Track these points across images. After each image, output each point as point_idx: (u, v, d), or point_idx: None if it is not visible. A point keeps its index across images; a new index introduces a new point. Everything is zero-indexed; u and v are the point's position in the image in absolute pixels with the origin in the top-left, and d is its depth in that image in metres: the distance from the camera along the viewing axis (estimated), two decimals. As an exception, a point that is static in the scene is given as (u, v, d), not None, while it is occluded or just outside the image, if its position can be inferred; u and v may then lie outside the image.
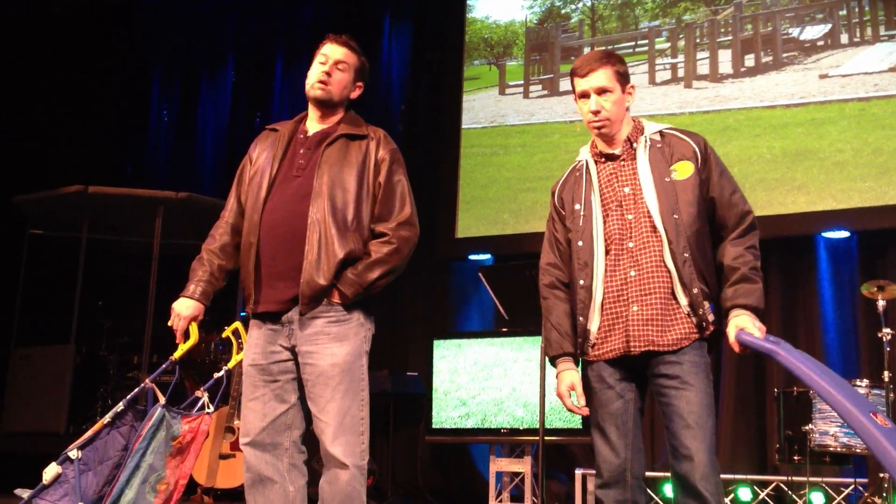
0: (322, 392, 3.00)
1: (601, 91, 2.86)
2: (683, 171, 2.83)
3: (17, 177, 7.39)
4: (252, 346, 3.13)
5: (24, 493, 3.38)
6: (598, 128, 2.89)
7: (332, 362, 3.00)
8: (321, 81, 3.17)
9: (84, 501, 3.33)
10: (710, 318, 2.78)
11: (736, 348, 2.70)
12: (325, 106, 3.20)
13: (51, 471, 3.37)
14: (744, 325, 2.68)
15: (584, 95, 2.89)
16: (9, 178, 7.42)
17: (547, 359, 3.01)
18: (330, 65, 3.18)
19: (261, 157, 3.24)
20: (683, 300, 2.75)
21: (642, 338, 2.75)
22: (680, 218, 2.77)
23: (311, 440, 3.14)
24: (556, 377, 2.95)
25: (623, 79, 2.90)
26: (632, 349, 2.77)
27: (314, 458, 3.25)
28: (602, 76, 2.87)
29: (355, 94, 3.27)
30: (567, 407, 2.89)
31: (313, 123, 3.24)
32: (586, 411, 2.87)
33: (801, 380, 2.60)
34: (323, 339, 3.01)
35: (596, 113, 2.86)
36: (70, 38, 8.47)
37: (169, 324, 3.23)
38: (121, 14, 8.79)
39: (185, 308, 3.20)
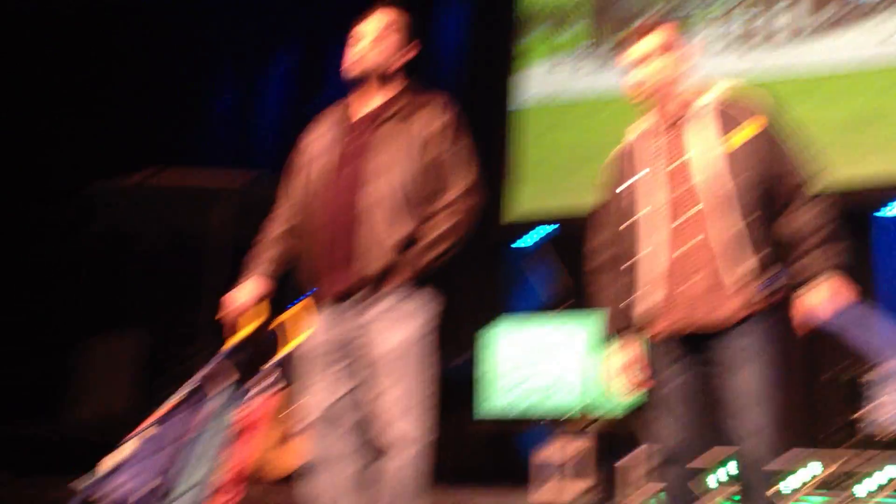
0: (388, 371, 3.01)
1: (651, 56, 2.83)
2: (740, 137, 2.75)
3: (82, 167, 7.53)
4: (314, 328, 3.18)
5: (103, 470, 3.51)
6: (649, 94, 2.84)
7: (399, 340, 3.01)
8: (352, 58, 3.13)
9: (158, 477, 3.44)
10: (769, 289, 2.71)
11: (807, 327, 2.65)
12: (371, 77, 3.14)
13: (126, 449, 3.49)
14: (818, 301, 2.61)
15: (636, 63, 2.86)
16: (73, 168, 7.56)
17: (603, 339, 2.99)
18: (359, 39, 3.13)
19: (313, 146, 3.23)
20: (741, 271, 2.68)
21: (691, 317, 2.72)
22: (737, 186, 2.70)
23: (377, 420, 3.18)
24: (608, 357, 2.93)
25: (672, 46, 2.85)
26: (681, 328, 2.74)
27: (377, 438, 3.29)
28: (648, 44, 2.84)
29: (405, 58, 3.19)
30: (622, 386, 2.88)
31: (364, 102, 3.19)
32: (642, 388, 2.86)
33: (875, 356, 2.54)
34: (388, 318, 3.02)
35: (645, 79, 2.84)
36: (130, 24, 8.53)
37: (229, 309, 3.28)
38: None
39: (246, 293, 3.25)
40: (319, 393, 3.14)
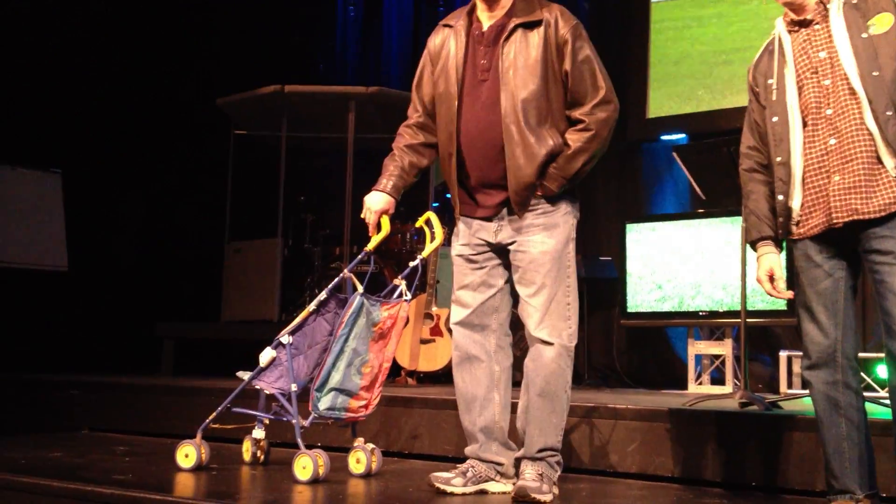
0: (532, 278, 3.07)
1: None
2: (882, 23, 2.61)
3: (220, 80, 7.74)
4: (460, 238, 3.24)
5: (245, 376, 3.66)
6: None
7: (542, 250, 3.06)
8: None
9: (297, 382, 3.56)
10: None
11: None
12: None
13: (266, 355, 3.62)
14: None
15: None
16: (212, 80, 7.79)
17: (748, 244, 2.92)
18: None
19: (441, 58, 3.20)
20: (890, 162, 2.56)
21: (845, 207, 2.60)
22: (881, 74, 2.57)
23: (515, 324, 3.23)
24: (756, 262, 2.85)
25: None
26: (835, 221, 2.62)
27: (518, 342, 3.33)
28: None
29: None
30: (767, 292, 2.80)
31: (485, 14, 3.15)
32: (789, 294, 2.77)
33: None
34: (533, 229, 3.08)
35: None
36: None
37: (361, 216, 3.33)
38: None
39: (376, 202, 3.29)
40: (464, 296, 3.21)
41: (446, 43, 3.21)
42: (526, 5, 3.12)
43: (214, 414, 3.73)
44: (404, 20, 8.69)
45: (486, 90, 3.08)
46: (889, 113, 2.56)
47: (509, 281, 3.19)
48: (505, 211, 3.11)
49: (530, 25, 3.06)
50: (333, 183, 6.85)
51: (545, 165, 3.04)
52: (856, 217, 2.60)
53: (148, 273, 7.89)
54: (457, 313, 3.22)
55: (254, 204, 7.36)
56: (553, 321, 3.06)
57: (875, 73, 2.58)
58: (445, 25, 3.26)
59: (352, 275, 3.64)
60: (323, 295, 3.65)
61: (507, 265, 3.17)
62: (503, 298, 3.21)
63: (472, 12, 3.20)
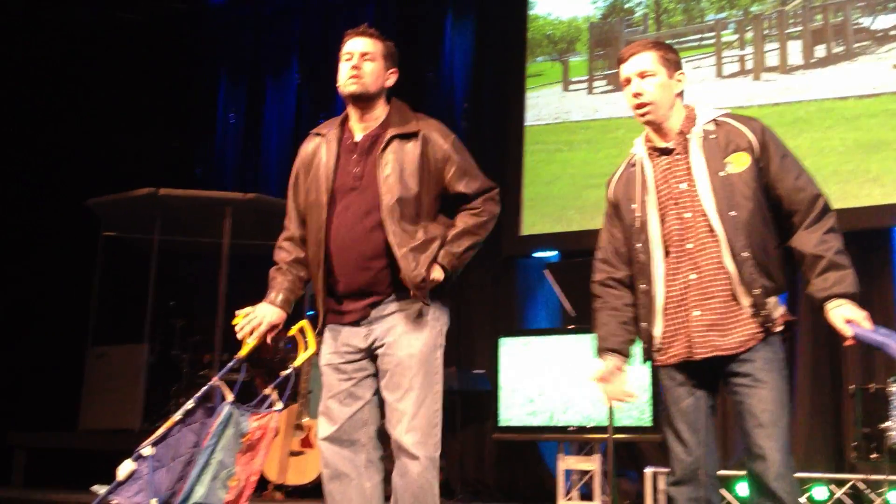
0: (399, 382, 3.04)
1: (643, 75, 2.79)
2: (739, 162, 2.71)
3: (91, 180, 7.58)
4: (327, 346, 3.19)
5: (101, 490, 3.47)
6: (642, 113, 2.80)
7: (409, 353, 3.03)
8: (353, 76, 3.10)
9: (157, 497, 3.39)
10: (779, 311, 2.69)
11: (848, 341, 2.58)
12: (363, 100, 3.13)
13: (125, 468, 3.45)
14: (852, 316, 2.56)
15: (628, 82, 2.83)
16: (82, 181, 7.62)
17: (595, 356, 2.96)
18: (357, 58, 3.11)
19: (312, 166, 3.21)
20: (745, 301, 2.66)
21: (706, 344, 2.69)
22: (738, 215, 2.67)
23: (384, 437, 3.19)
24: (600, 373, 2.89)
25: (669, 64, 2.81)
26: (696, 355, 2.71)
27: (387, 454, 3.29)
28: (644, 59, 2.80)
29: (391, 82, 3.19)
30: (608, 397, 2.87)
31: (357, 125, 3.18)
32: (631, 395, 2.85)
33: None
34: (400, 330, 3.05)
35: (637, 96, 2.79)
36: (138, 43, 8.66)
37: (242, 324, 3.22)
38: (187, 19, 8.95)
39: (269, 314, 3.22)
40: (331, 409, 3.15)
41: (318, 152, 3.21)
42: (400, 117, 3.15)
43: (66, 530, 3.51)
44: (285, 128, 8.77)
45: (357, 198, 3.08)
46: (745, 254, 2.65)
47: (377, 393, 3.14)
48: (373, 313, 3.07)
49: (407, 136, 3.10)
50: (206, 289, 6.73)
51: (431, 253, 3.04)
52: (716, 353, 2.68)
53: (1, 377, 7.48)
54: (324, 428, 3.15)
55: (122, 308, 7.15)
56: (420, 426, 3.02)
57: (732, 213, 2.66)
58: (317, 134, 3.28)
59: (222, 383, 3.55)
60: (190, 404, 3.53)
61: (376, 374, 3.13)
62: (372, 411, 3.16)
63: (344, 122, 3.23)
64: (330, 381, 3.17)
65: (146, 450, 3.44)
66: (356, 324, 3.11)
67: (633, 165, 2.91)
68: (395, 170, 3.05)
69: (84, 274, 7.18)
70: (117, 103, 8.38)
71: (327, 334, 3.20)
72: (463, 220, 3.11)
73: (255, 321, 3.23)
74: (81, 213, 7.10)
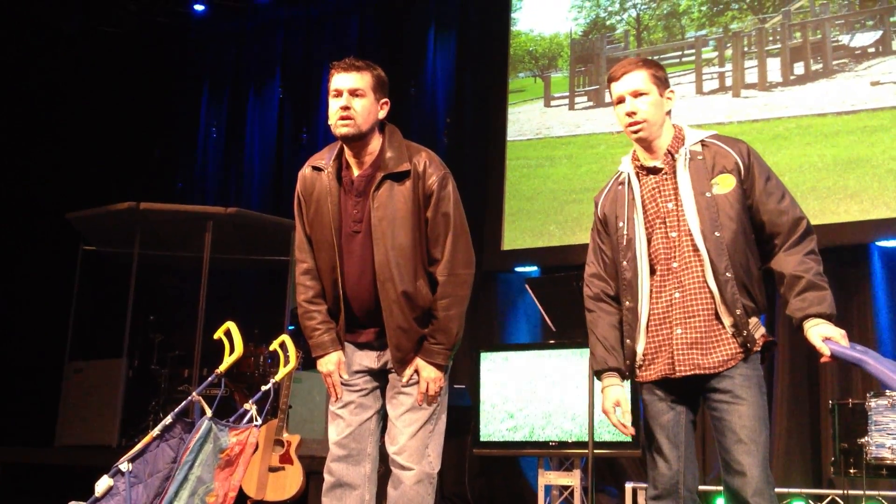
0: (404, 399, 3.07)
1: (636, 94, 2.81)
2: (725, 184, 2.75)
3: (71, 194, 7.54)
4: (344, 359, 3.19)
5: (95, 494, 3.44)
6: (635, 131, 2.82)
7: (420, 377, 3.07)
8: (343, 118, 3.01)
9: (137, 511, 3.37)
10: (759, 332, 2.72)
11: (825, 358, 2.61)
12: (356, 140, 3.05)
13: (102, 483, 3.42)
14: (829, 334, 2.60)
15: (620, 100, 2.85)
16: (62, 195, 7.58)
17: (594, 374, 2.98)
18: (346, 97, 3.01)
19: (312, 201, 3.16)
20: (727, 321, 2.70)
21: (687, 362, 2.72)
22: (722, 235, 2.70)
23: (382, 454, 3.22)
24: (601, 392, 2.92)
25: (660, 82, 2.84)
26: (678, 372, 2.73)
27: (382, 468, 3.29)
28: (636, 78, 2.82)
29: (383, 114, 3.11)
30: (612, 423, 2.85)
31: (353, 160, 3.12)
32: (632, 431, 2.83)
33: (891, 388, 2.53)
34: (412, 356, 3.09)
35: (631, 114, 2.81)
36: (120, 57, 8.64)
37: (329, 384, 3.18)
38: (171, 32, 8.95)
39: (327, 364, 3.16)
40: (340, 420, 3.16)
41: (317, 187, 3.15)
42: (395, 154, 3.09)
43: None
44: (267, 142, 8.77)
45: (360, 243, 3.07)
46: (728, 274, 2.68)
47: (384, 407, 3.18)
48: (385, 339, 3.09)
49: (399, 177, 3.05)
50: (186, 303, 6.70)
51: (423, 320, 3.07)
52: (697, 371, 2.71)
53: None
54: (334, 432, 3.16)
55: (100, 322, 7.09)
56: (417, 444, 3.04)
57: (717, 234, 2.70)
58: (315, 168, 3.18)
59: (200, 398, 3.53)
60: (168, 419, 3.50)
61: (384, 388, 3.16)
62: (378, 422, 3.19)
63: (341, 155, 3.15)
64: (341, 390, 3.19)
65: (124, 465, 3.42)
66: (369, 346, 3.14)
67: (622, 183, 2.93)
68: (387, 216, 3.03)
69: (63, 288, 7.12)
70: (98, 116, 8.35)
71: (347, 348, 3.20)
72: (440, 307, 3.05)
73: (327, 380, 3.19)
74: (61, 227, 7.04)
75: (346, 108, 3.00)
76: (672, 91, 2.88)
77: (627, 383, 2.92)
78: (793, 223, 2.73)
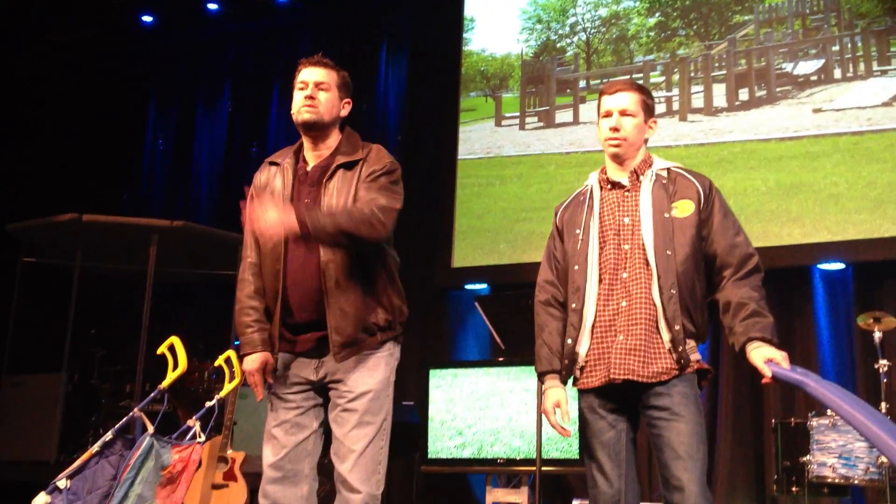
0: (348, 417, 3.03)
1: (624, 112, 2.91)
2: (684, 209, 2.85)
3: (11, 204, 7.39)
4: (277, 375, 3.13)
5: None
6: (614, 146, 2.91)
7: (362, 390, 3.03)
8: (307, 106, 3.10)
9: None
10: (695, 356, 2.79)
11: (766, 380, 2.67)
12: (317, 129, 3.12)
13: (40, 501, 3.34)
14: (772, 356, 2.66)
15: (608, 115, 2.93)
16: (2, 205, 7.42)
17: (536, 374, 3.01)
18: (311, 88, 3.12)
19: (267, 195, 3.15)
20: (665, 335, 2.76)
21: (623, 366, 2.77)
22: (673, 255, 2.79)
23: (322, 469, 3.15)
24: (543, 394, 2.96)
25: (648, 110, 2.95)
26: (614, 377, 2.77)
27: (325, 486, 3.24)
28: (628, 98, 2.92)
29: (345, 112, 3.20)
30: (551, 424, 2.89)
31: (310, 154, 3.18)
32: (569, 433, 2.87)
33: (832, 409, 2.58)
34: (353, 366, 3.04)
35: (615, 130, 2.90)
36: (65, 66, 8.51)
37: (252, 382, 3.11)
38: (118, 43, 8.83)
39: (253, 362, 3.09)
40: (276, 439, 3.10)
41: (271, 181, 3.18)
42: (349, 146, 3.16)
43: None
44: (215, 156, 8.69)
45: None
46: (673, 291, 2.76)
47: (323, 424, 3.13)
48: (326, 347, 3.04)
49: (350, 165, 3.10)
50: (129, 317, 6.58)
51: (366, 305, 3.03)
52: (632, 377, 2.75)
53: None
54: (269, 453, 3.09)
55: (40, 335, 6.94)
56: (365, 463, 3.01)
57: (668, 252, 2.79)
58: (272, 163, 3.24)
59: (142, 414, 3.47)
60: (108, 435, 3.44)
61: (324, 405, 3.11)
62: (316, 442, 3.13)
63: (299, 151, 3.21)
64: (276, 409, 3.12)
65: (62, 482, 3.35)
66: (307, 355, 3.08)
67: (584, 194, 3.02)
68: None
69: (1, 300, 6.95)
70: (42, 126, 8.21)
71: (278, 363, 3.13)
72: (356, 208, 2.98)
73: (249, 379, 3.11)
74: (0, 238, 6.89)
75: (310, 97, 3.10)
76: (655, 121, 2.99)
77: (570, 389, 2.94)
78: (744, 258, 2.82)
